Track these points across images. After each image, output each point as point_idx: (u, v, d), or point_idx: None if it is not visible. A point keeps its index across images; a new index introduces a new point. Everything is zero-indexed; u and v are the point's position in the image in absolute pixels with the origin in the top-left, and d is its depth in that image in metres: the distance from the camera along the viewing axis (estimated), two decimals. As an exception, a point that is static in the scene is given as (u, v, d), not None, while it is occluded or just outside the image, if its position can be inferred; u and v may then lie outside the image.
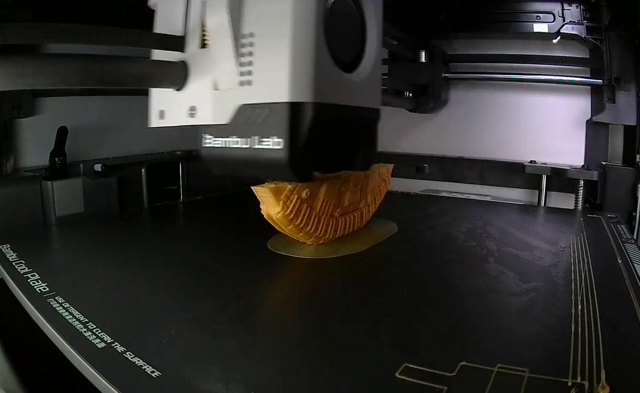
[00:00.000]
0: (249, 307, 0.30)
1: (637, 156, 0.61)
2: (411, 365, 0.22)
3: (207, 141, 0.32)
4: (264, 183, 0.36)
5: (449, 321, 0.28)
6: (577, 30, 0.64)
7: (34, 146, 0.53)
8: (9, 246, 0.41)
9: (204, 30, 0.31)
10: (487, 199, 0.68)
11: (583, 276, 0.34)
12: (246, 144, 0.29)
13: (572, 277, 0.34)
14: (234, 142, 0.30)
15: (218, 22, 0.29)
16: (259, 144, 0.29)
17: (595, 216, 0.55)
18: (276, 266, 0.38)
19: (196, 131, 0.33)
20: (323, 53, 0.29)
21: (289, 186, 0.35)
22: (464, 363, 0.22)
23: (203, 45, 0.31)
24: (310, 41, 0.28)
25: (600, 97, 0.65)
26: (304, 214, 0.37)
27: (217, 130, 0.31)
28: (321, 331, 0.27)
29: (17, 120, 0.52)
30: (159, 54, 0.33)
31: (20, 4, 0.46)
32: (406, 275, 0.36)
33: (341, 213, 0.41)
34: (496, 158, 0.74)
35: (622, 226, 0.50)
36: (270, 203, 0.35)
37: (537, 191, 0.69)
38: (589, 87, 0.67)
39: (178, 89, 0.32)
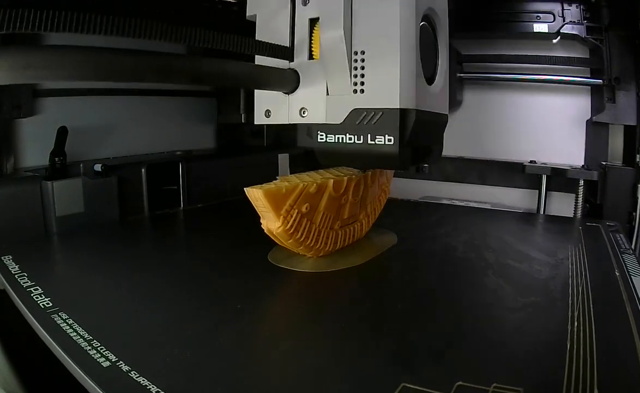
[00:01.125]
0: (250, 323, 0.30)
1: (637, 156, 0.61)
2: (409, 385, 0.23)
3: (321, 137, 0.38)
4: (262, 184, 0.36)
5: (446, 338, 0.28)
6: (577, 30, 0.64)
7: (34, 146, 0.54)
8: (11, 257, 0.40)
9: (311, 44, 0.38)
10: (487, 206, 0.68)
11: (580, 290, 0.34)
12: (360, 141, 0.36)
13: (570, 291, 0.34)
14: (348, 138, 0.36)
15: (333, 40, 0.35)
16: (372, 141, 0.36)
17: (594, 224, 0.55)
18: (276, 280, 0.38)
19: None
20: (419, 69, 0.36)
21: (289, 201, 0.36)
22: (460, 382, 0.23)
23: (311, 56, 0.38)
24: (412, 60, 0.35)
25: (600, 97, 0.65)
26: (304, 228, 0.37)
27: (330, 128, 0.37)
28: (321, 349, 0.27)
29: (17, 120, 0.52)
30: (261, 60, 0.38)
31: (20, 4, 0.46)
32: (404, 289, 0.37)
33: (341, 225, 0.42)
34: (496, 158, 0.74)
35: (621, 235, 0.50)
36: (270, 218, 0.36)
37: (537, 191, 0.69)
38: (589, 87, 0.67)
39: (288, 93, 0.38)
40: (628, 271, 0.38)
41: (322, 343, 0.28)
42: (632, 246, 0.59)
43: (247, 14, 0.40)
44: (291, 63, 0.38)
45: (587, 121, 0.68)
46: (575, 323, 0.29)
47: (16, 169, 0.52)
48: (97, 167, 0.54)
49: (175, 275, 0.39)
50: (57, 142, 0.50)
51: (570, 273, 0.38)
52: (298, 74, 0.38)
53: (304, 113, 0.38)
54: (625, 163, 0.65)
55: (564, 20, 0.64)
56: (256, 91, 0.41)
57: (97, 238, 0.49)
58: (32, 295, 0.33)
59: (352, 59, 0.36)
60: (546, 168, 0.68)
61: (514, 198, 0.73)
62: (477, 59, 0.73)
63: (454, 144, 0.78)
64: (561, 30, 0.64)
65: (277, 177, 0.38)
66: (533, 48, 0.69)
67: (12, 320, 0.35)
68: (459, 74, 0.74)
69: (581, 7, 0.64)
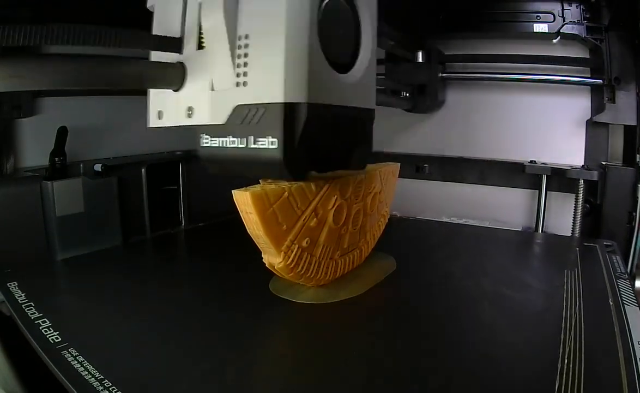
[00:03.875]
0: (254, 361, 0.31)
1: (637, 156, 0.61)
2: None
3: (205, 140, 0.32)
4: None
5: (439, 380, 0.28)
6: (577, 30, 0.64)
7: (34, 146, 0.54)
8: (16, 284, 0.41)
9: (200, 32, 0.32)
10: (486, 223, 0.68)
11: (573, 323, 0.35)
12: (242, 144, 0.30)
13: (563, 324, 0.34)
14: (231, 142, 0.31)
15: (214, 24, 0.30)
16: (254, 144, 0.30)
17: (591, 245, 0.55)
18: (278, 313, 0.38)
19: (194, 131, 0.33)
20: (317, 54, 0.30)
21: (290, 237, 0.35)
22: None
23: (200, 46, 0.32)
24: (304, 42, 0.29)
25: (600, 97, 0.65)
26: (305, 262, 0.37)
27: (214, 130, 0.31)
28: (322, 389, 0.28)
29: (17, 120, 0.52)
30: (157, 56, 0.33)
31: (20, 4, 0.46)
32: (401, 323, 0.37)
33: (341, 254, 0.42)
34: (496, 158, 0.74)
35: (617, 257, 0.50)
36: (271, 253, 0.36)
37: (537, 191, 0.69)
38: (589, 87, 0.67)
39: (176, 90, 0.33)
40: (622, 300, 0.39)
41: (324, 383, 0.28)
42: (632, 248, 0.60)
43: (147, 4, 0.35)
44: (180, 56, 0.33)
45: (587, 121, 0.68)
46: (565, 361, 0.29)
47: (16, 169, 0.52)
48: (97, 167, 0.54)
49: (179, 306, 0.39)
50: (57, 142, 0.50)
51: (564, 304, 0.38)
52: (185, 67, 0.32)
53: (190, 113, 0.32)
54: (625, 163, 0.64)
55: (564, 20, 0.64)
56: (150, 91, 0.36)
57: (99, 262, 0.49)
58: (40, 328, 0.33)
59: (236, 46, 0.30)
60: (546, 168, 0.68)
61: (514, 198, 0.73)
62: (476, 59, 0.73)
63: (454, 144, 0.78)
64: (561, 30, 0.64)
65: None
66: (533, 48, 0.69)
67: (12, 320, 0.35)
68: (458, 74, 0.74)
69: (581, 7, 0.64)
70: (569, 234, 0.66)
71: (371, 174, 0.43)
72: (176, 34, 0.32)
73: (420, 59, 0.72)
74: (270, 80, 0.29)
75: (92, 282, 0.44)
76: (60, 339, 0.32)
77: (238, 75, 0.30)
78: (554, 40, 0.65)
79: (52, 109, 0.55)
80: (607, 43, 0.62)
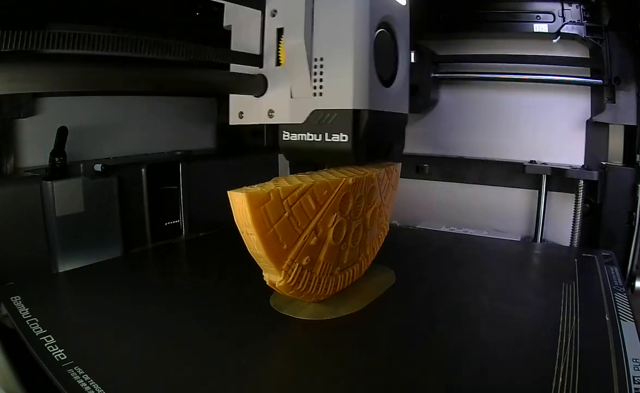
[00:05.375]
0: (256, 380, 0.31)
1: (637, 156, 0.61)
2: None
3: (285, 135, 0.41)
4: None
5: None
6: (577, 30, 0.64)
7: (34, 146, 0.54)
8: (19, 299, 0.41)
9: (278, 51, 0.41)
10: (484, 233, 0.68)
11: (569, 339, 0.35)
12: (319, 138, 0.40)
13: (558, 341, 0.35)
14: (309, 136, 0.40)
15: (294, 47, 0.39)
16: (329, 139, 0.39)
17: (589, 255, 0.55)
18: (278, 330, 0.38)
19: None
20: (373, 74, 0.39)
21: (290, 256, 0.36)
22: None
23: (278, 63, 0.41)
24: (366, 65, 0.38)
25: (600, 97, 0.65)
26: (305, 280, 0.37)
27: (294, 128, 0.41)
28: None
29: (17, 120, 0.52)
30: (236, 67, 0.42)
31: (20, 4, 0.46)
32: (400, 341, 0.37)
33: (341, 270, 0.42)
34: (496, 158, 0.74)
35: (615, 269, 0.51)
36: (272, 272, 0.36)
37: (537, 191, 0.69)
38: (589, 87, 0.67)
39: (257, 96, 0.42)
40: (618, 315, 0.39)
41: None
42: (632, 248, 0.60)
43: (224, 24, 0.44)
44: (260, 69, 0.41)
45: (587, 121, 0.68)
46: (560, 379, 0.30)
47: (16, 169, 0.52)
48: (97, 167, 0.54)
49: (182, 321, 0.40)
50: (57, 142, 0.50)
51: (561, 319, 0.38)
52: (266, 79, 0.41)
53: (271, 114, 0.41)
54: (625, 163, 0.64)
55: (564, 20, 0.64)
56: (231, 95, 0.44)
57: (100, 274, 0.49)
58: (45, 345, 0.33)
59: (312, 65, 0.39)
60: (546, 168, 0.68)
61: (514, 198, 0.73)
62: (476, 59, 0.73)
63: (454, 144, 0.78)
64: (561, 30, 0.64)
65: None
66: (533, 48, 0.69)
67: (16, 333, 0.35)
68: (458, 74, 0.74)
69: (581, 7, 0.64)
70: (569, 234, 0.66)
71: (371, 189, 0.43)
72: (255, 51, 0.41)
73: (412, 59, 0.72)
74: (342, 92, 0.38)
75: (95, 296, 0.45)
76: (65, 357, 0.32)
77: (314, 87, 0.39)
78: (554, 40, 0.65)
79: (52, 109, 0.55)
80: (607, 43, 0.62)
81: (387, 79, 0.43)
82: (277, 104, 0.41)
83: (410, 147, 0.81)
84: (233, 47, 0.43)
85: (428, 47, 0.73)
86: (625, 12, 0.59)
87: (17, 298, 0.41)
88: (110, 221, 0.54)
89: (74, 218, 0.50)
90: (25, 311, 0.39)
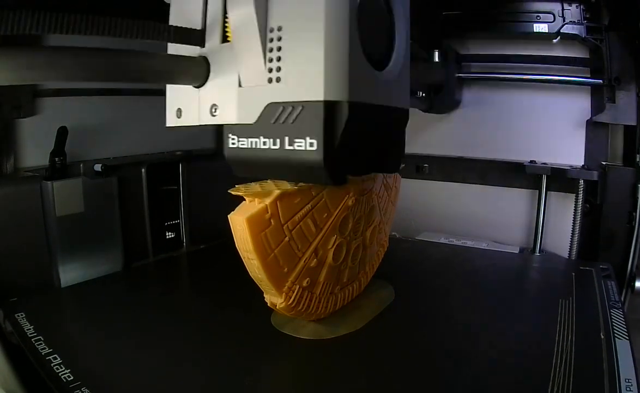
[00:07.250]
0: None
1: (637, 156, 0.61)
2: None
3: (232, 141, 0.30)
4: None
5: None
6: (577, 30, 0.64)
7: (34, 146, 0.53)
8: (23, 316, 0.40)
9: (225, 24, 0.29)
10: (484, 245, 0.68)
11: (564, 359, 0.35)
12: (276, 145, 0.28)
13: (553, 362, 0.35)
14: (263, 143, 0.28)
15: (241, 15, 0.27)
16: (290, 146, 0.27)
17: (587, 269, 0.55)
18: (279, 350, 0.38)
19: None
20: (357, 48, 0.27)
21: (290, 278, 0.35)
22: None
23: (225, 39, 0.30)
24: (345, 37, 0.26)
25: (600, 97, 0.65)
26: (306, 300, 0.37)
27: (243, 130, 0.29)
28: None
29: (17, 120, 0.52)
30: (174, 49, 0.31)
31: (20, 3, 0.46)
32: (398, 359, 0.37)
33: (340, 288, 0.42)
34: (496, 157, 0.74)
35: (613, 283, 0.51)
36: (273, 294, 0.36)
37: (537, 191, 0.69)
38: (589, 87, 0.67)
39: (197, 86, 0.31)
40: (613, 332, 0.39)
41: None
42: (632, 249, 0.60)
43: None
44: (203, 49, 0.30)
45: (587, 121, 0.68)
46: None
47: (16, 169, 0.52)
48: (97, 167, 0.54)
49: (184, 338, 0.40)
50: (57, 142, 0.50)
51: (556, 338, 0.38)
52: (208, 61, 0.30)
53: (215, 111, 0.30)
54: (625, 163, 0.64)
55: (564, 20, 0.64)
56: (168, 87, 0.33)
57: (103, 290, 0.50)
58: (52, 365, 0.33)
59: (267, 38, 0.27)
60: (546, 168, 0.67)
61: (514, 198, 0.73)
62: (476, 58, 0.73)
63: (454, 144, 0.78)
64: (561, 30, 0.64)
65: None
66: (533, 48, 0.69)
67: (21, 349, 0.35)
68: (457, 74, 0.74)
69: (581, 7, 0.64)
70: (569, 234, 0.66)
71: (371, 208, 0.43)
72: (197, 25, 0.30)
73: (436, 59, 0.71)
74: (307, 76, 0.26)
75: (99, 313, 0.45)
76: (72, 378, 0.32)
77: (270, 70, 0.27)
78: (554, 40, 0.65)
79: (52, 109, 0.55)
80: (607, 43, 0.62)
81: (378, 59, 0.30)
82: (222, 96, 0.30)
83: (409, 147, 0.81)
84: (173, 24, 0.30)
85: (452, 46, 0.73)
86: (625, 12, 0.59)
87: (22, 315, 0.41)
88: (111, 221, 0.54)
89: (74, 218, 0.50)
90: (30, 329, 0.38)
